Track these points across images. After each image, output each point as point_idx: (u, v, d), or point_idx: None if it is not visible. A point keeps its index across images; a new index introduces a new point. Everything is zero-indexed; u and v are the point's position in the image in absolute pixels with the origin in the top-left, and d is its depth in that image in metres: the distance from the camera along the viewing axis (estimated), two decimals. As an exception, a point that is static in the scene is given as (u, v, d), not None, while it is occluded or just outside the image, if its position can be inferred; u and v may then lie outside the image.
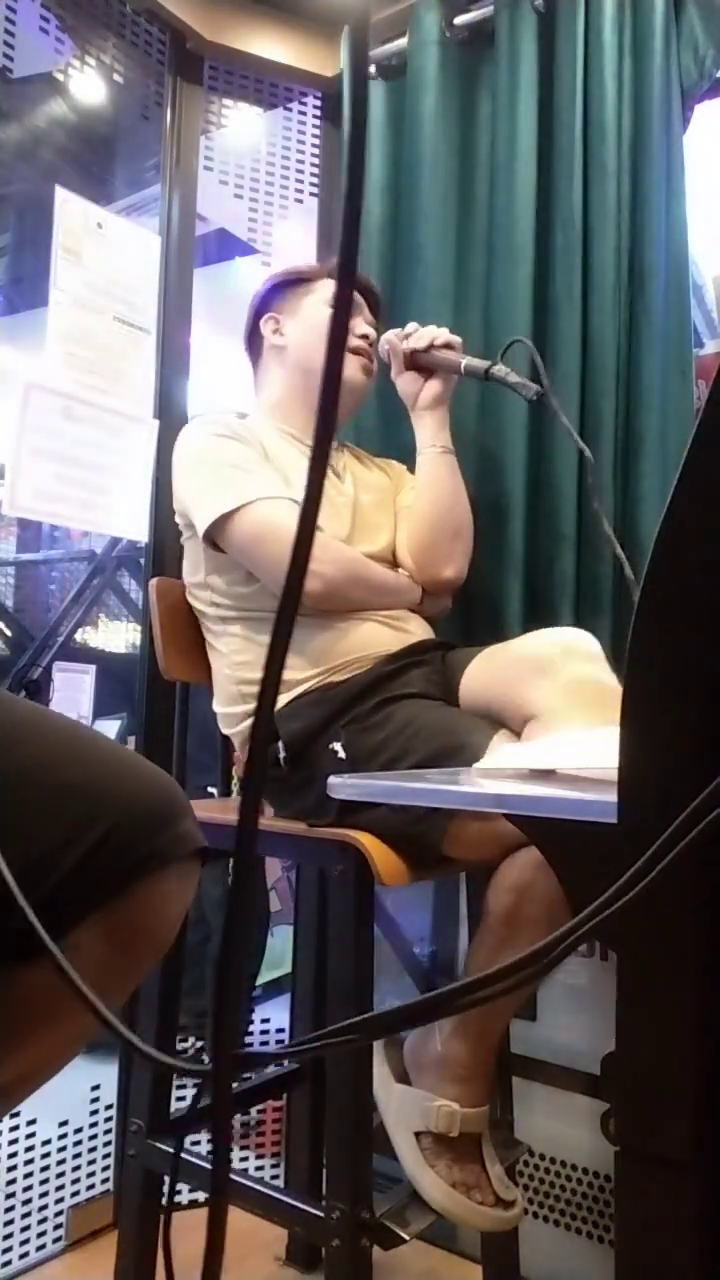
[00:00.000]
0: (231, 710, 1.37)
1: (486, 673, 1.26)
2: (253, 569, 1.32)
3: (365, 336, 1.46)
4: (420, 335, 1.45)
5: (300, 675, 1.29)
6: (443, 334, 1.45)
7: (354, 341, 1.45)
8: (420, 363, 1.46)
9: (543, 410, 1.52)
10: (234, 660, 1.36)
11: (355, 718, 1.21)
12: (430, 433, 1.45)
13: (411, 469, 1.57)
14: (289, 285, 1.50)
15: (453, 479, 1.44)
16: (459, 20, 1.69)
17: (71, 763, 0.68)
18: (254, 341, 1.54)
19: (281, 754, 1.23)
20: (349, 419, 1.59)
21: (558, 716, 1.07)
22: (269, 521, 1.28)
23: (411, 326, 1.47)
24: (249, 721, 1.31)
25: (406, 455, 1.61)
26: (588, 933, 0.39)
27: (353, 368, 1.45)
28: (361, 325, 1.47)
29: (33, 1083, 0.71)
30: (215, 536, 1.32)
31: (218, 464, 1.36)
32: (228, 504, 1.29)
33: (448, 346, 1.44)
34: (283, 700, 1.28)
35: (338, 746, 1.19)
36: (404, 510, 1.49)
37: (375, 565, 1.38)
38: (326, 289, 1.48)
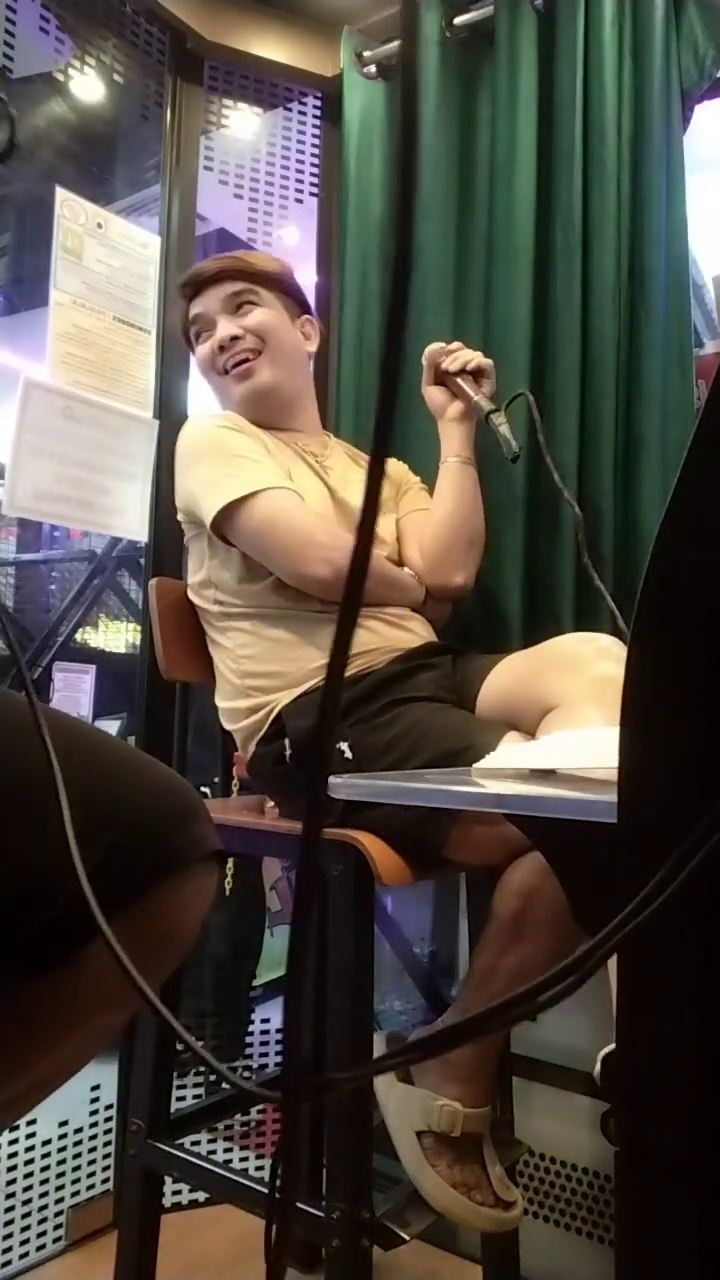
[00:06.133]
0: (235, 705, 1.36)
1: (510, 673, 1.26)
2: (261, 557, 1.31)
3: (222, 348, 1.43)
4: (455, 358, 1.45)
5: (306, 670, 1.29)
6: (475, 358, 1.44)
7: (219, 362, 1.44)
8: (446, 383, 1.47)
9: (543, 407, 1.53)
10: (238, 654, 1.35)
11: (363, 718, 1.20)
12: (456, 444, 1.46)
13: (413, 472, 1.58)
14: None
15: (473, 490, 1.46)
16: (459, 20, 1.69)
17: (81, 766, 0.66)
18: None
19: (288, 752, 1.23)
20: (289, 412, 1.49)
21: (579, 708, 1.07)
22: (279, 510, 1.28)
23: (454, 346, 1.47)
24: (253, 718, 1.31)
25: (405, 457, 1.61)
26: (582, 974, 0.37)
27: (232, 385, 1.44)
28: (217, 333, 1.44)
29: (48, 1088, 0.70)
30: (223, 526, 1.31)
31: (225, 454, 1.35)
32: (237, 491, 1.28)
33: (479, 371, 1.45)
34: (289, 696, 1.28)
35: (345, 746, 1.18)
36: (415, 515, 1.50)
37: (384, 559, 1.39)
38: (188, 321, 1.49)
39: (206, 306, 1.45)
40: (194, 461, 1.38)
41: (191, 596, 1.44)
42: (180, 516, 1.43)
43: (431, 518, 1.46)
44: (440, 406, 1.47)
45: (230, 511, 1.29)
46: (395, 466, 1.58)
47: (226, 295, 1.45)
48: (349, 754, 1.18)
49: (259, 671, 1.32)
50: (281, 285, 1.49)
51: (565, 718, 1.08)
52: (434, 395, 1.48)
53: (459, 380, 1.44)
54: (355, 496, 1.45)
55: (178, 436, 1.44)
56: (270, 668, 1.31)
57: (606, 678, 1.09)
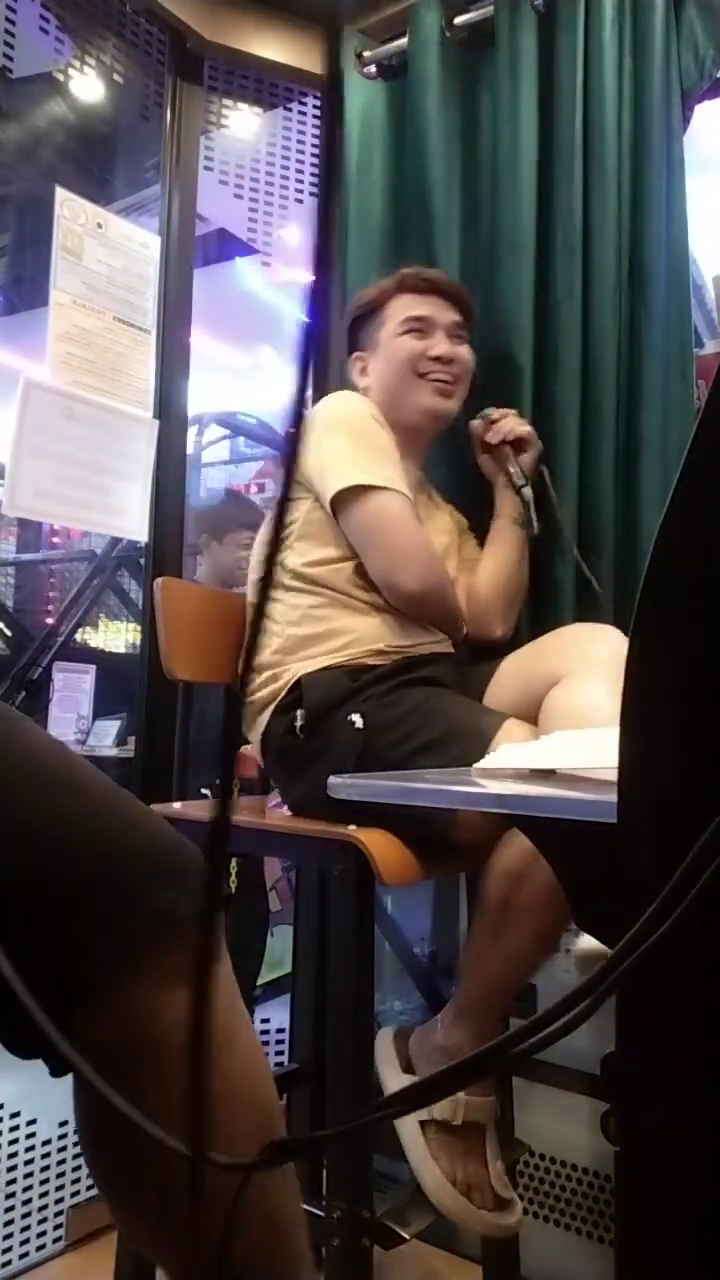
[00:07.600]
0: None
1: (515, 665, 1.31)
2: (363, 549, 1.33)
3: (439, 359, 1.44)
4: (496, 431, 1.48)
5: (334, 645, 1.31)
6: (514, 429, 1.47)
7: (426, 365, 1.44)
8: (491, 452, 1.51)
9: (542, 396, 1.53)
10: (279, 620, 1.34)
11: (375, 694, 1.24)
12: (508, 506, 1.49)
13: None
14: (365, 319, 1.51)
15: (521, 552, 1.49)
16: (459, 20, 1.69)
17: (66, 819, 0.63)
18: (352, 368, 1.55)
19: (299, 723, 1.25)
20: (427, 443, 1.54)
21: (582, 681, 1.12)
22: (398, 512, 1.31)
23: (497, 415, 1.49)
24: (272, 686, 1.31)
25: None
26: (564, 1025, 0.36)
27: (425, 393, 1.44)
28: (439, 345, 1.45)
29: None
30: (339, 504, 1.31)
31: (369, 440, 1.37)
32: (368, 479, 1.30)
33: (520, 441, 1.47)
34: (310, 666, 1.29)
35: (356, 717, 1.21)
36: (468, 563, 1.53)
37: (455, 597, 1.42)
38: (398, 310, 1.47)
39: (437, 315, 1.46)
40: (336, 432, 1.37)
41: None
42: (298, 479, 1.39)
43: (481, 572, 1.50)
44: (492, 473, 1.52)
45: (355, 493, 1.30)
46: (460, 520, 1.59)
47: (453, 320, 1.47)
48: (360, 724, 1.20)
49: (293, 635, 1.33)
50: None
51: (567, 691, 1.13)
52: (485, 464, 1.53)
53: (500, 451, 1.48)
54: (435, 537, 1.47)
55: (322, 406, 1.41)
56: (306, 631, 1.33)
57: (608, 654, 1.15)
